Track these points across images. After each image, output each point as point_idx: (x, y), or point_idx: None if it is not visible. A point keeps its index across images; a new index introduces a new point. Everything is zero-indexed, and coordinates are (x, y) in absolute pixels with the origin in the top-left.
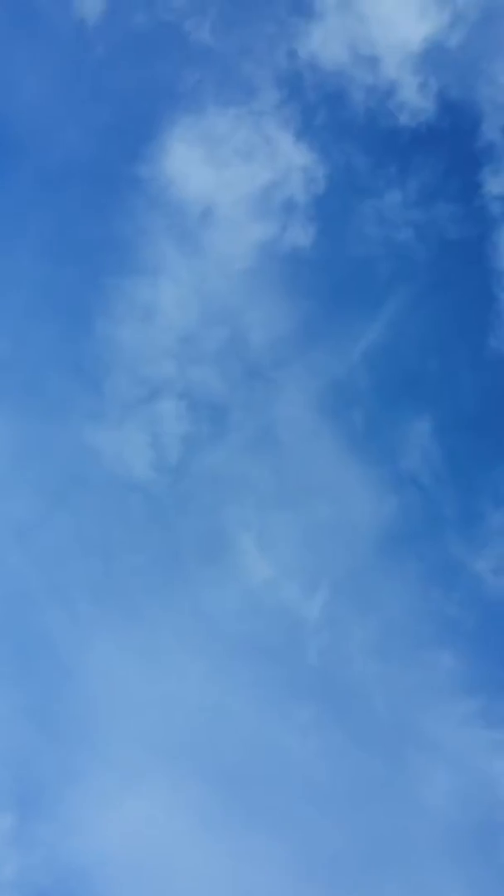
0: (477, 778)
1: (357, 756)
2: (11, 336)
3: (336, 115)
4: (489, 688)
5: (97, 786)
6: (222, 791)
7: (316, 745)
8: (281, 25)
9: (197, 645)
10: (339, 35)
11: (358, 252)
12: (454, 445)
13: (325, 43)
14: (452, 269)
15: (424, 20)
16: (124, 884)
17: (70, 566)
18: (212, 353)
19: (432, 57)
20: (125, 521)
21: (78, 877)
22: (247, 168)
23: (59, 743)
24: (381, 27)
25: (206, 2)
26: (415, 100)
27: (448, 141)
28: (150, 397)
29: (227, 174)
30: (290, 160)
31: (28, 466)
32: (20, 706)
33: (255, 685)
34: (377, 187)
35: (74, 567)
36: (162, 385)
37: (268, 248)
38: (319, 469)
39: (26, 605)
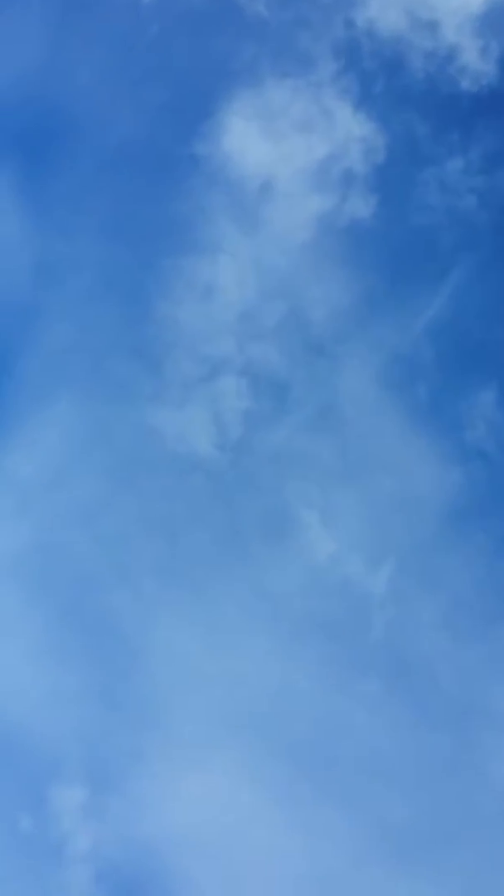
0: None
1: (425, 731)
2: (74, 321)
3: (395, 83)
4: None
5: (165, 762)
6: (289, 766)
7: (383, 720)
8: None
9: (261, 622)
10: (397, 0)
11: (420, 222)
12: None
13: (382, 9)
14: None
15: None
16: (195, 856)
17: (134, 546)
18: (271, 329)
19: (493, 19)
20: (188, 500)
21: (149, 850)
22: (305, 140)
23: (127, 720)
24: None
25: None
26: (476, 64)
27: None
28: (211, 375)
29: (285, 147)
30: (349, 131)
31: (92, 449)
32: (89, 685)
33: (320, 661)
34: (439, 155)
35: (139, 547)
36: (222, 363)
37: (327, 221)
38: (383, 443)
39: (93, 586)
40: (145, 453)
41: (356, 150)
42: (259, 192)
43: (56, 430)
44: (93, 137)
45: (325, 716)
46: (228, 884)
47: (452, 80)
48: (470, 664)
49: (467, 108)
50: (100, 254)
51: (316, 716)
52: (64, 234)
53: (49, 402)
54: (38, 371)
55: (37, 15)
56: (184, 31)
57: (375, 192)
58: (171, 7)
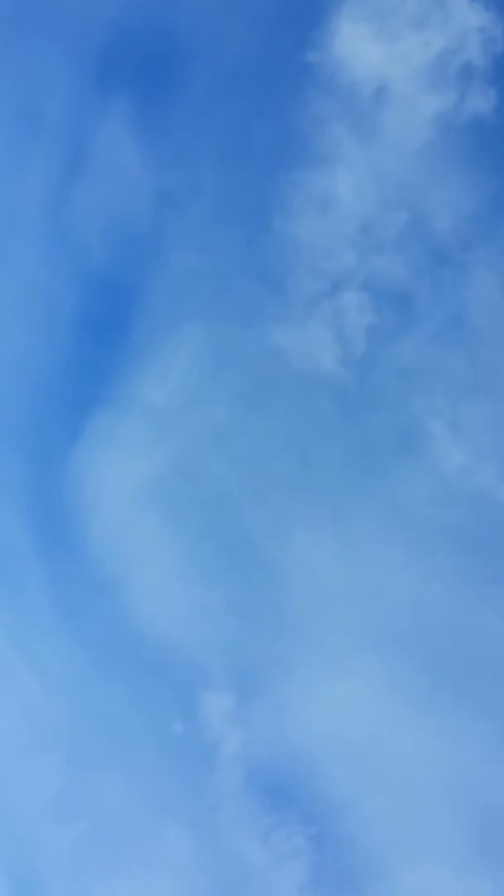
0: None
1: None
2: (195, 245)
3: None
4: None
5: (308, 670)
6: (428, 674)
7: None
8: None
9: (395, 535)
10: None
11: None
12: None
13: None
14: None
15: None
16: (339, 759)
17: (267, 465)
18: (393, 239)
19: None
20: (316, 417)
21: (295, 753)
22: (419, 37)
23: (269, 631)
24: None
25: None
26: None
27: None
28: (333, 291)
29: (399, 47)
30: (465, 22)
31: (220, 373)
32: (232, 599)
33: (455, 571)
34: None
35: (271, 466)
36: (343, 277)
37: (446, 121)
38: None
39: (228, 506)
40: (272, 374)
41: (474, 42)
42: (374, 96)
43: (185, 355)
44: (205, 58)
45: (462, 624)
46: (371, 785)
47: None
48: None
49: None
50: (217, 175)
51: (452, 624)
52: (181, 158)
53: (176, 328)
54: (164, 299)
55: None
56: None
57: (496, 85)
58: None
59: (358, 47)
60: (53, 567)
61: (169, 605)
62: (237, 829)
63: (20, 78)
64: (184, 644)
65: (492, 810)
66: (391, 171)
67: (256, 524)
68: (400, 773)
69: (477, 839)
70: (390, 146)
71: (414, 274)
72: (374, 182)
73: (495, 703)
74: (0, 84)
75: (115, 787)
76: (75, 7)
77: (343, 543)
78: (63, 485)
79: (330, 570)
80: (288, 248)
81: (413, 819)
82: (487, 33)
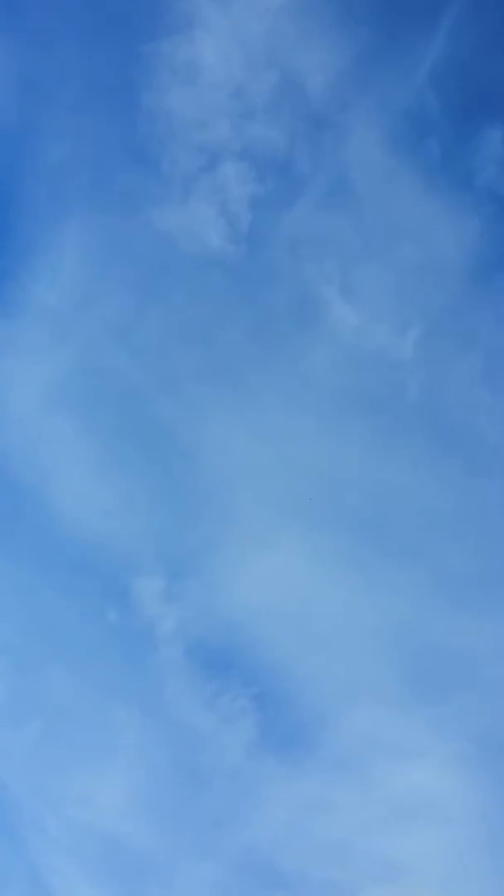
0: None
1: (471, 481)
2: (67, 132)
3: None
4: None
5: (234, 546)
6: (349, 534)
7: (430, 477)
8: None
9: (302, 405)
10: None
11: None
12: None
13: None
14: None
15: None
16: (275, 624)
17: (170, 354)
18: (265, 104)
19: None
20: (212, 299)
21: (232, 624)
22: None
23: (193, 515)
24: None
25: None
26: None
27: None
28: (210, 165)
29: None
30: None
31: (110, 265)
32: (151, 489)
33: (363, 433)
34: None
35: (174, 354)
36: (219, 149)
37: None
38: (399, 209)
39: (138, 398)
40: (162, 260)
41: None
42: None
43: (71, 251)
44: None
45: (376, 482)
46: (307, 642)
47: None
48: None
49: None
50: (79, 55)
51: (367, 483)
52: (40, 41)
53: (59, 224)
54: (41, 194)
55: None
56: None
57: None
58: None
59: None
60: None
61: (91, 502)
62: (183, 700)
63: None
64: (110, 537)
65: (422, 651)
66: (255, 30)
67: (168, 413)
68: (333, 628)
69: (411, 679)
70: (251, 4)
71: (291, 139)
72: (238, 44)
73: (414, 551)
74: None
75: (63, 684)
76: None
77: (254, 420)
78: None
79: (244, 447)
80: (160, 125)
81: (349, 668)
82: None
